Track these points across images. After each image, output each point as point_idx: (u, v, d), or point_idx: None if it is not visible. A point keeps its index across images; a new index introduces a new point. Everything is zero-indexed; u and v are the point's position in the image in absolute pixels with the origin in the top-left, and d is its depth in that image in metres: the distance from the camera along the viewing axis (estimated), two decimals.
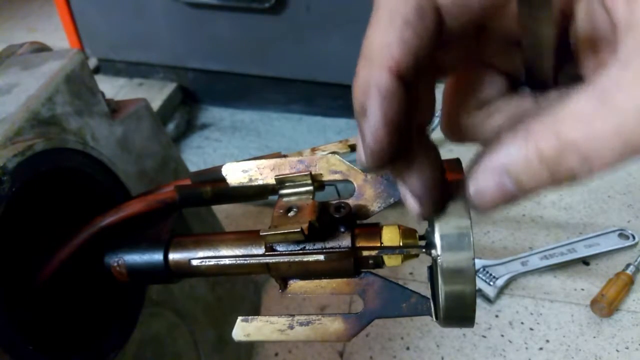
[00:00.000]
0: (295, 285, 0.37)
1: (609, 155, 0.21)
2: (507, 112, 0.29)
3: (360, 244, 0.35)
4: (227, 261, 0.38)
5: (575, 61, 0.27)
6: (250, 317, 0.35)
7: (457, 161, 0.33)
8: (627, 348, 0.96)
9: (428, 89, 0.28)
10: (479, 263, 1.07)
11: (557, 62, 0.26)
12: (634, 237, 1.13)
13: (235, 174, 0.38)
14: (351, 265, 0.35)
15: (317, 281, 0.36)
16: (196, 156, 1.50)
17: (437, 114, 0.30)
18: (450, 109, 0.31)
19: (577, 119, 0.21)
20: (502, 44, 0.28)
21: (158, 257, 0.41)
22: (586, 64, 0.26)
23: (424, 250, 0.32)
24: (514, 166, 0.23)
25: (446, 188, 0.30)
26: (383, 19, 0.24)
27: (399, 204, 0.32)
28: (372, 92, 0.24)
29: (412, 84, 0.24)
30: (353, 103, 0.25)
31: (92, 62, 1.65)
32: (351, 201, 0.36)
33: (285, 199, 0.36)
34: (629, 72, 0.20)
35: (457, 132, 0.31)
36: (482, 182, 0.24)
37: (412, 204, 0.28)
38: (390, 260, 0.35)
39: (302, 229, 0.32)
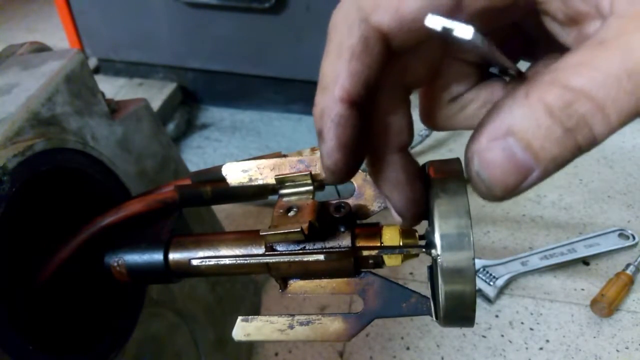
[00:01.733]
0: (295, 285, 0.37)
1: (624, 100, 0.19)
2: (480, 100, 0.29)
3: (360, 243, 0.35)
4: (227, 261, 0.38)
5: (546, 40, 0.26)
6: (250, 317, 0.35)
7: (457, 161, 0.33)
8: (627, 348, 0.96)
9: (400, 112, 0.29)
10: (479, 263, 1.07)
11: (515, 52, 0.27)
12: (634, 237, 1.13)
13: (235, 173, 0.38)
14: (351, 265, 0.35)
15: (317, 281, 0.36)
16: (196, 156, 1.50)
17: None
18: (425, 103, 0.31)
19: (582, 66, 0.19)
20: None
21: (158, 257, 0.41)
22: (565, 39, 0.25)
23: (424, 250, 0.32)
24: (520, 127, 0.20)
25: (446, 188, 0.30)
26: (332, 52, 0.25)
27: None
28: (325, 119, 0.25)
29: (364, 107, 0.26)
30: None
31: (92, 62, 1.65)
32: (351, 201, 0.36)
33: (285, 199, 0.36)
34: (630, 18, 0.19)
35: (435, 124, 0.31)
36: (488, 154, 0.21)
37: (395, 216, 0.30)
38: (390, 260, 0.35)
39: (302, 228, 0.32)
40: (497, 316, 1.02)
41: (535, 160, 0.20)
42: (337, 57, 0.25)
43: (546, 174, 0.21)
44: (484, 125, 0.22)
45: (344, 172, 0.27)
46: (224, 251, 0.39)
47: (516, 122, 0.20)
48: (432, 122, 0.31)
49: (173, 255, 0.41)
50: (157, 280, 0.43)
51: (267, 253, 0.36)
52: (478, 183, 0.23)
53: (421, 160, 0.32)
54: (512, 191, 0.22)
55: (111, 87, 1.62)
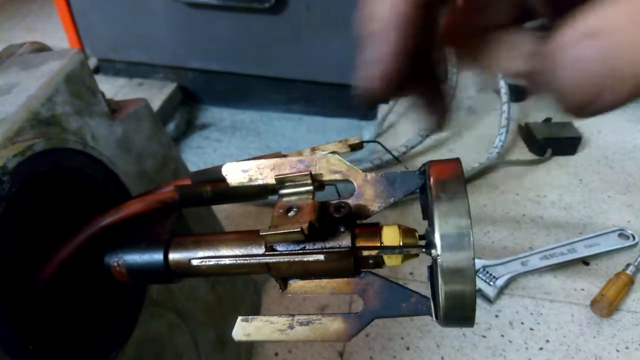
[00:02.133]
0: (295, 285, 0.37)
1: None
2: (505, 43, 0.26)
3: (360, 243, 0.35)
4: (227, 261, 0.38)
5: None
6: (250, 317, 0.35)
7: (457, 161, 0.33)
8: (627, 348, 0.96)
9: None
10: (479, 263, 1.07)
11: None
12: (634, 237, 1.13)
13: (235, 174, 0.38)
14: (351, 265, 0.35)
15: (317, 281, 0.36)
16: (196, 156, 1.50)
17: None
18: (454, 20, 0.27)
19: None
20: None
21: (158, 257, 0.41)
22: None
23: (424, 250, 0.32)
24: (611, 25, 0.18)
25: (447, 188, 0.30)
26: None
27: (399, 204, 0.32)
28: (381, 18, 0.21)
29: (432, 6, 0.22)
30: (358, 29, 0.22)
31: (92, 62, 1.65)
32: (351, 201, 0.36)
33: (285, 199, 0.36)
34: None
35: (455, 44, 0.28)
36: (577, 49, 0.19)
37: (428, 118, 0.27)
38: (390, 260, 0.35)
39: (302, 228, 0.32)
40: (497, 316, 1.02)
41: (623, 61, 0.18)
42: None
43: (626, 77, 0.18)
44: (573, 22, 0.19)
45: (395, 85, 0.23)
46: (224, 251, 0.39)
47: (609, 20, 0.18)
48: (454, 41, 0.28)
49: (173, 255, 0.41)
50: (157, 280, 0.43)
51: (267, 253, 0.36)
52: (553, 84, 0.20)
53: (421, 160, 0.32)
54: (591, 104, 0.19)
55: (111, 87, 1.63)
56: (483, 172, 1.36)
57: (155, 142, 0.66)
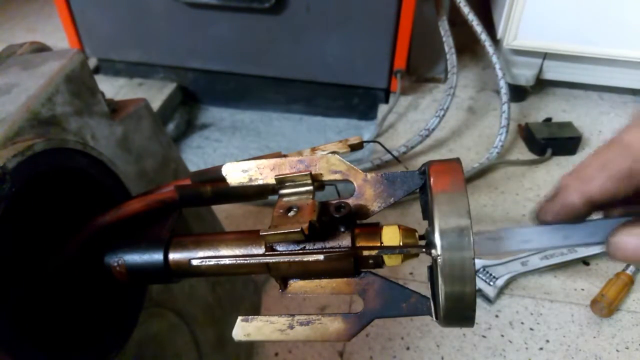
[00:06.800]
0: (295, 285, 0.37)
1: None
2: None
3: (361, 243, 0.35)
4: (227, 261, 0.38)
5: None
6: (250, 317, 0.35)
7: (457, 161, 0.33)
8: (627, 348, 0.96)
9: None
10: (479, 263, 1.07)
11: None
12: None
13: (235, 173, 0.38)
14: (351, 265, 0.35)
15: (317, 281, 0.36)
16: (196, 156, 1.50)
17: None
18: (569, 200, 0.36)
19: None
20: None
21: (158, 257, 0.41)
22: None
23: (424, 250, 0.32)
24: None
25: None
26: (602, 156, 0.33)
27: (399, 204, 0.32)
28: (564, 196, 0.35)
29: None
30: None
31: (92, 62, 1.65)
32: (351, 201, 0.36)
33: (285, 199, 0.36)
34: None
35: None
36: (624, 241, 0.32)
37: None
38: (390, 260, 0.35)
39: (302, 229, 0.32)
40: (497, 316, 1.02)
41: None
42: (601, 167, 0.33)
43: None
44: (633, 225, 0.32)
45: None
46: (224, 251, 0.39)
47: None
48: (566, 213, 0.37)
49: (173, 255, 0.41)
50: (157, 280, 0.43)
51: (267, 253, 0.36)
52: (608, 249, 0.33)
53: (421, 161, 0.32)
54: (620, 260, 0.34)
55: (111, 87, 1.63)
56: (483, 172, 1.36)
57: (155, 142, 0.66)
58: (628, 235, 0.32)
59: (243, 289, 0.91)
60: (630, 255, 0.32)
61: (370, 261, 0.35)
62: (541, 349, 0.96)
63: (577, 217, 0.35)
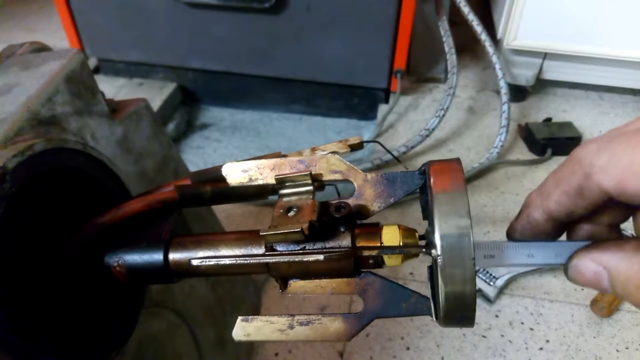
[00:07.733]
0: (295, 285, 0.37)
1: None
2: (583, 231, 0.36)
3: (360, 243, 0.35)
4: (227, 261, 0.38)
5: None
6: (250, 317, 0.35)
7: (457, 161, 0.33)
8: (627, 348, 0.96)
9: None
10: None
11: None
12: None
13: (235, 173, 0.38)
14: (351, 265, 0.35)
15: (317, 281, 0.36)
16: (196, 156, 1.50)
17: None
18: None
19: None
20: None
21: (158, 257, 0.41)
22: None
23: (424, 250, 0.32)
24: (616, 273, 0.29)
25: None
26: (557, 176, 0.32)
27: (399, 204, 0.32)
28: (528, 211, 0.34)
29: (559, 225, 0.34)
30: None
31: (92, 62, 1.65)
32: (351, 201, 0.36)
33: (285, 199, 0.36)
34: None
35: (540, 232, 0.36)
36: (582, 266, 0.31)
37: None
38: (390, 260, 0.35)
39: (302, 229, 0.32)
40: (497, 316, 1.02)
41: (611, 291, 0.29)
42: (556, 183, 0.32)
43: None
44: (595, 247, 0.31)
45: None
46: (224, 251, 0.39)
47: (616, 269, 0.29)
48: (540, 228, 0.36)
49: (173, 255, 0.41)
50: (157, 280, 0.43)
51: (267, 253, 0.36)
52: (567, 273, 0.33)
53: (421, 160, 0.32)
54: (578, 284, 0.32)
55: (111, 87, 1.63)
56: (483, 172, 1.36)
57: (155, 142, 0.66)
58: (586, 261, 0.31)
59: (243, 289, 0.91)
60: (589, 280, 0.31)
61: (370, 261, 0.35)
62: (541, 349, 0.96)
63: (543, 234, 0.34)
